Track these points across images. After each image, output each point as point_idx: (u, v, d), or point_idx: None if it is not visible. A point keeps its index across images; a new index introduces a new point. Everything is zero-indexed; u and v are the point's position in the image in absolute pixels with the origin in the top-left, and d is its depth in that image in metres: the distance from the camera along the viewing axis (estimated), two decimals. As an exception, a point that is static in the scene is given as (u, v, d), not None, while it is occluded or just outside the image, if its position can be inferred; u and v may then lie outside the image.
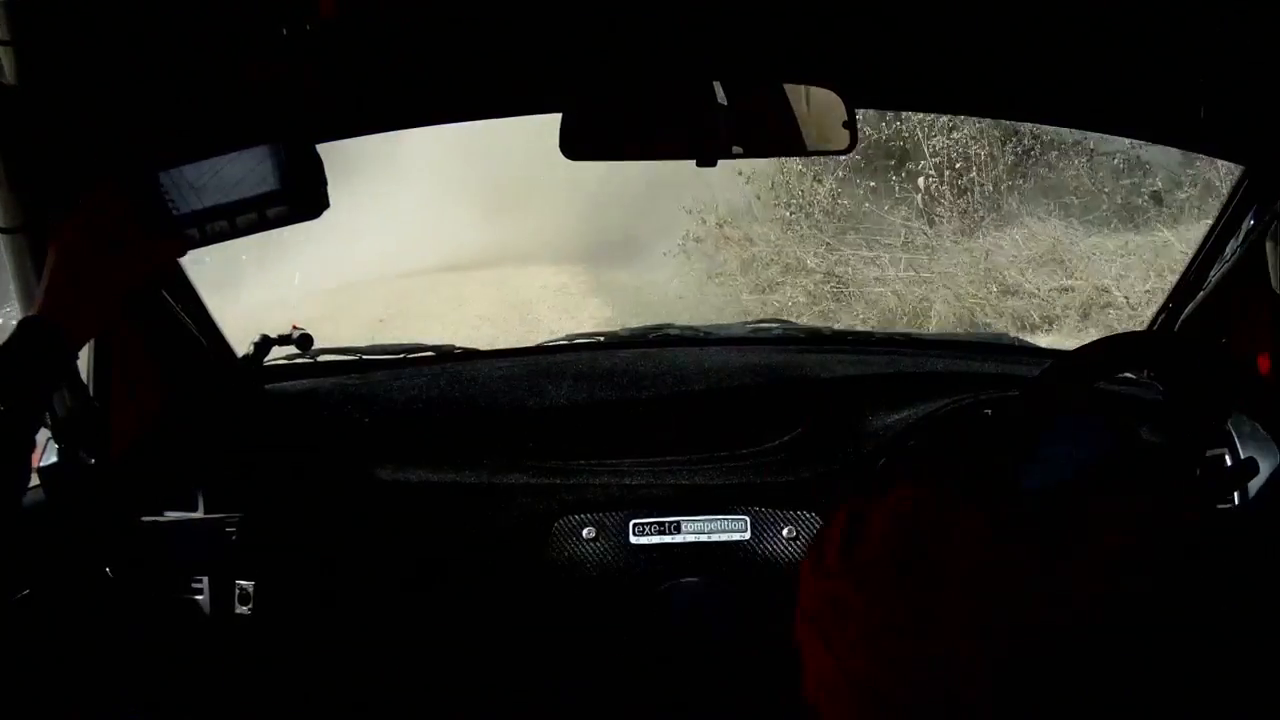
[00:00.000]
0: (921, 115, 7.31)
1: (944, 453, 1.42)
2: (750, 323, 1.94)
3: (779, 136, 1.23)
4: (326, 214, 1.00)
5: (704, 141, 1.23)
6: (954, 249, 7.42)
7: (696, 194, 8.07)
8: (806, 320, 6.49)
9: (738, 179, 7.97)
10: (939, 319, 6.95)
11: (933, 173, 7.73)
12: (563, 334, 1.86)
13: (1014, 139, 7.66)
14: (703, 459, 1.48)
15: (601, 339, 1.82)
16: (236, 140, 0.99)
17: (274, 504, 1.41)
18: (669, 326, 1.88)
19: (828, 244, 7.77)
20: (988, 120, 7.17)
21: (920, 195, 7.71)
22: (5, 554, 1.03)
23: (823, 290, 7.54)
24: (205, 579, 1.35)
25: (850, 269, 7.56)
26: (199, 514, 1.37)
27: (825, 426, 1.50)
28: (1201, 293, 1.49)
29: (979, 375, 1.56)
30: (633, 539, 1.41)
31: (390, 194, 9.00)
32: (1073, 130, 6.62)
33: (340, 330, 5.96)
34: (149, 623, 1.32)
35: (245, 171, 0.99)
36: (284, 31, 1.05)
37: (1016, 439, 1.06)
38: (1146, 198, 7.27)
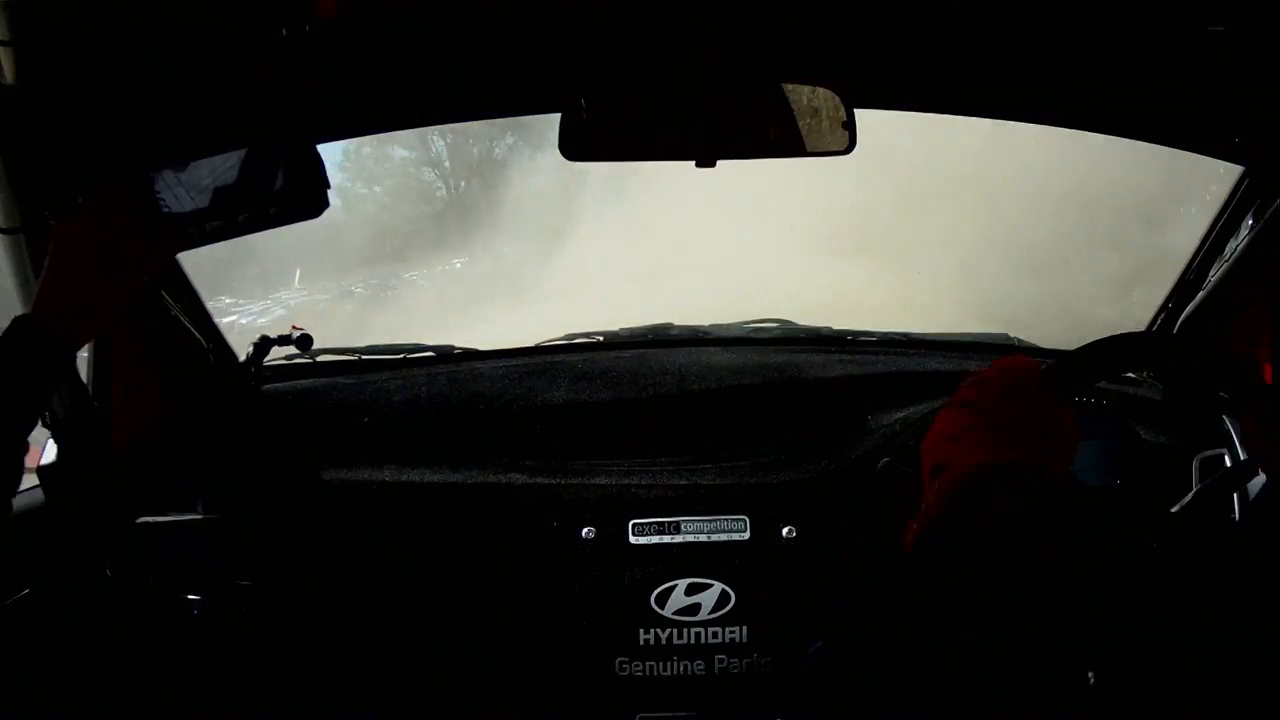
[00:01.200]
0: None
1: None
2: (750, 323, 1.94)
3: (779, 137, 1.23)
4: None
5: (703, 142, 1.23)
6: None
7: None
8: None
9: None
10: None
11: None
12: (563, 335, 1.86)
13: None
14: (702, 459, 1.48)
15: (601, 339, 1.82)
16: (236, 140, 0.99)
17: (273, 504, 1.41)
18: (669, 326, 1.88)
19: None
20: None
21: None
22: (3, 554, 1.03)
23: None
24: (205, 579, 1.35)
25: None
26: (199, 514, 1.37)
27: (825, 426, 1.50)
28: (1201, 293, 1.49)
29: None
30: (632, 539, 1.41)
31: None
32: None
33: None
34: (149, 623, 1.33)
35: (245, 171, 0.99)
36: (284, 31, 1.05)
37: None
38: None
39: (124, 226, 0.95)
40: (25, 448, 0.94)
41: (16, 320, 0.94)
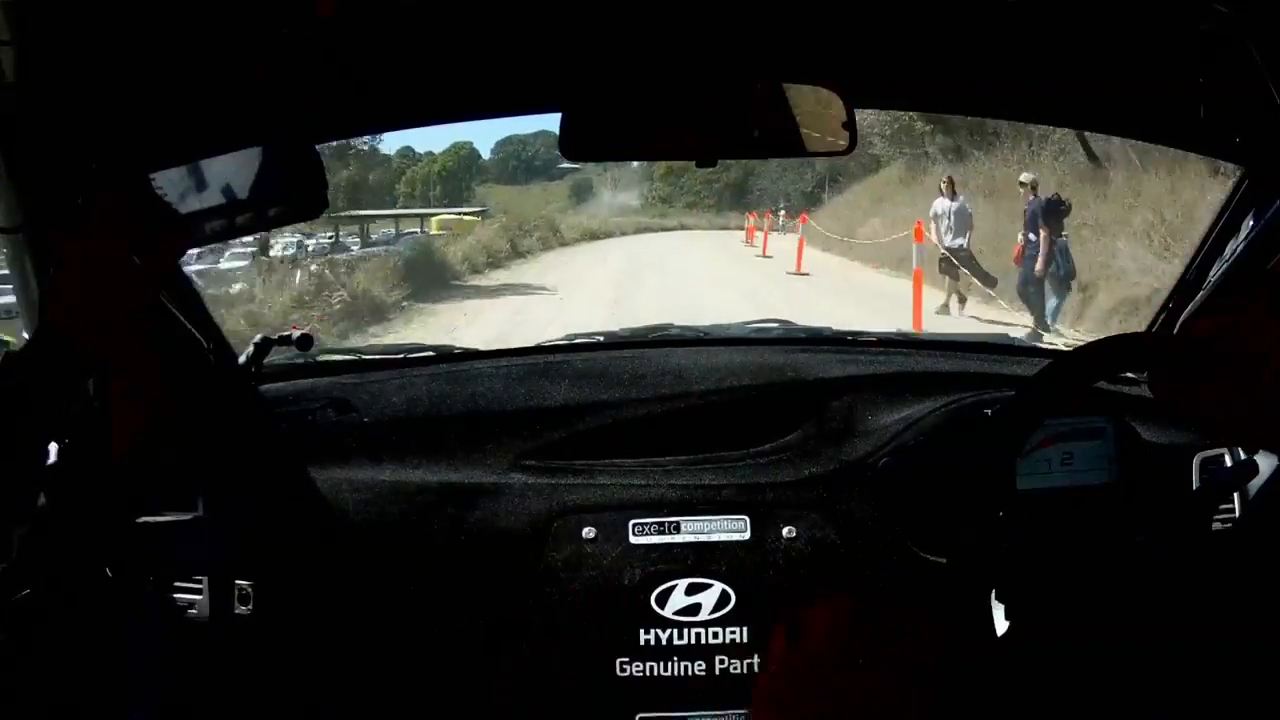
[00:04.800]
0: None
1: (942, 453, 1.42)
2: (750, 323, 1.94)
3: (779, 136, 1.23)
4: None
5: (704, 141, 1.23)
6: None
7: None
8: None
9: None
10: None
11: None
12: (563, 335, 1.86)
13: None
14: (703, 459, 1.48)
15: (601, 339, 1.82)
16: (237, 140, 0.99)
17: (274, 504, 1.41)
18: (669, 326, 1.88)
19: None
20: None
21: None
22: (8, 556, 1.03)
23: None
24: (205, 579, 1.35)
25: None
26: (199, 514, 1.37)
27: (825, 426, 1.50)
28: (1201, 293, 1.48)
29: (979, 375, 1.56)
30: (633, 539, 1.41)
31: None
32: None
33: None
34: (149, 623, 1.32)
35: (245, 171, 0.99)
36: (284, 31, 1.05)
37: (1012, 440, 1.06)
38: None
39: (131, 230, 0.95)
40: (46, 455, 0.94)
41: (39, 330, 0.94)
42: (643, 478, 1.45)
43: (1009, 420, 1.12)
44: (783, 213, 22.33)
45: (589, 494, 1.43)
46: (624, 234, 26.57)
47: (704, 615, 1.40)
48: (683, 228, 29.74)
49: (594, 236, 24.94)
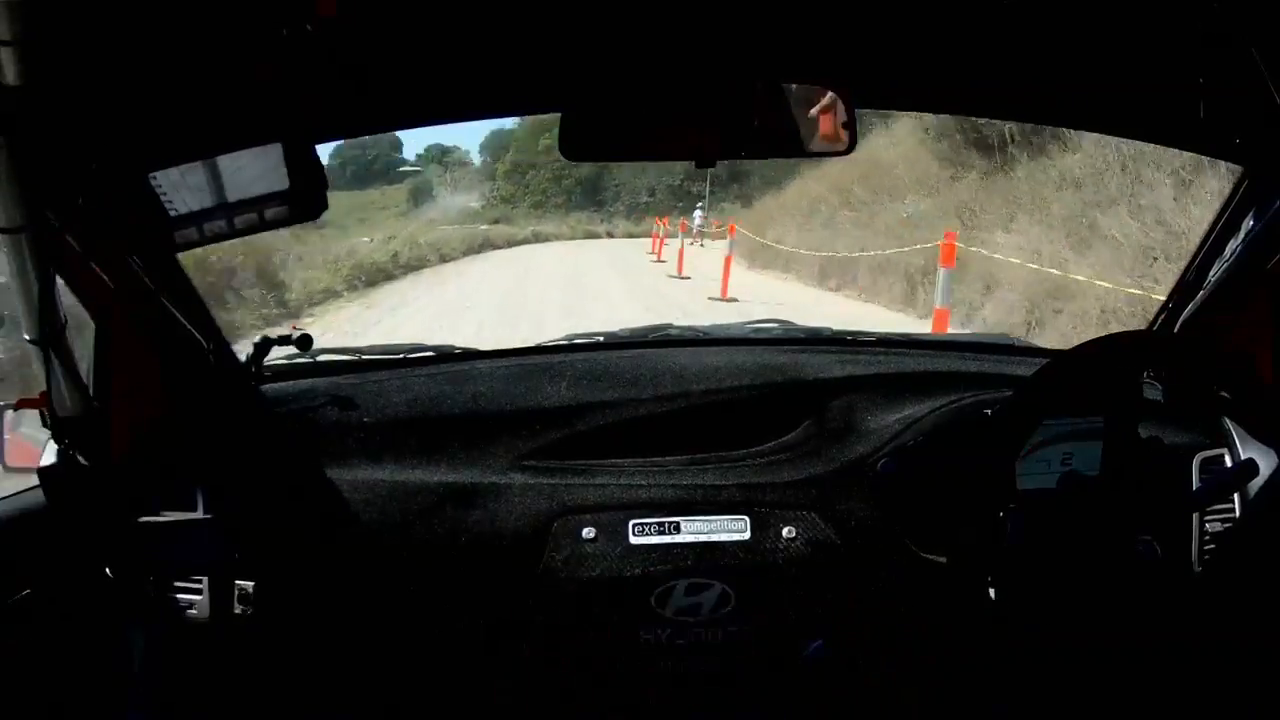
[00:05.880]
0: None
1: (942, 453, 1.42)
2: (750, 323, 1.94)
3: (779, 136, 1.23)
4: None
5: (704, 141, 1.23)
6: None
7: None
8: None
9: None
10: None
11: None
12: (564, 335, 1.86)
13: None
14: (703, 459, 1.48)
15: (601, 339, 1.82)
16: (236, 140, 0.99)
17: (274, 504, 1.41)
18: (669, 327, 1.88)
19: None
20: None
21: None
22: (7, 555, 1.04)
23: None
24: (205, 579, 1.35)
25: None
26: (199, 514, 1.37)
27: (825, 426, 1.50)
28: (1201, 293, 1.48)
29: (979, 375, 1.56)
30: (633, 539, 1.41)
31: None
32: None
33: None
34: (149, 623, 1.32)
35: (245, 171, 0.99)
36: (284, 31, 1.05)
37: (1012, 440, 1.06)
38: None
39: (131, 230, 0.95)
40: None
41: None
42: (643, 478, 1.45)
43: (1009, 420, 1.12)
44: (698, 215, 18.60)
45: (589, 494, 1.43)
46: (446, 259, 14.61)
47: (704, 615, 1.40)
48: (537, 238, 22.78)
49: (370, 282, 11.83)
